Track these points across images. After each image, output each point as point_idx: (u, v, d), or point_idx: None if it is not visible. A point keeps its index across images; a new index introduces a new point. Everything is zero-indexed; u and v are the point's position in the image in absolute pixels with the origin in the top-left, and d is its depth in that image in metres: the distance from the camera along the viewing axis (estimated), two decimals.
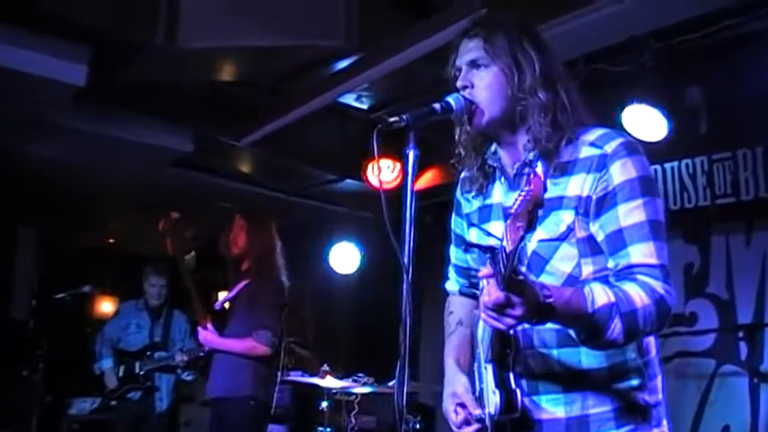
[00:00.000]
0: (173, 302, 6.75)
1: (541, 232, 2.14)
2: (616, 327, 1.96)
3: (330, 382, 5.14)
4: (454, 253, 2.71)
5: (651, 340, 2.22)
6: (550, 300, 1.91)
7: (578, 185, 2.12)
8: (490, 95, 2.22)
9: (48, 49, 4.84)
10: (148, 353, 6.52)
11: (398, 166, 6.69)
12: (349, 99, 5.60)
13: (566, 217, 2.12)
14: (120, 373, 6.46)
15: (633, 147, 2.14)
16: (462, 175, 2.47)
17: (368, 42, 4.74)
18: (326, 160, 6.71)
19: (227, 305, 5.21)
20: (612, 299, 1.97)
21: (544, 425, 2.18)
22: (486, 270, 1.88)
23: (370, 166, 6.33)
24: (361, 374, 5.19)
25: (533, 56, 2.22)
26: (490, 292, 1.88)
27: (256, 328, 4.97)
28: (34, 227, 9.64)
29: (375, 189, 6.45)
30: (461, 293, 2.76)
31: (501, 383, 2.19)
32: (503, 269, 1.81)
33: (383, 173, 6.02)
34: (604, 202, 2.09)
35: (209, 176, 7.28)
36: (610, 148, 2.12)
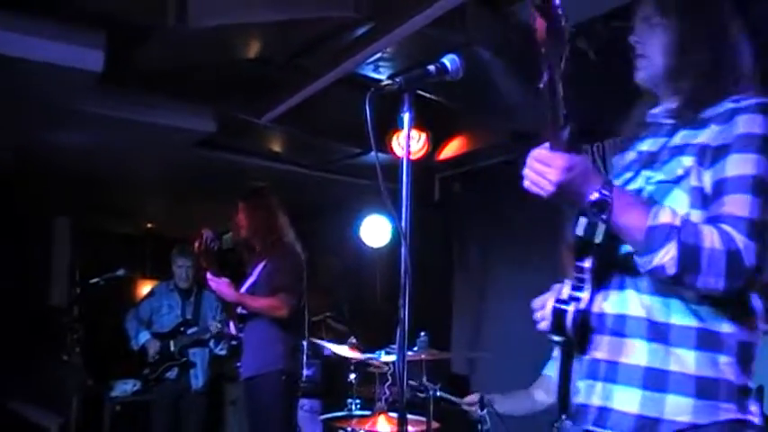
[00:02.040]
0: (203, 283, 6.79)
1: (660, 174, 2.10)
2: (669, 251, 1.88)
3: (356, 353, 5.15)
4: None
5: (756, 315, 2.07)
6: (608, 195, 1.92)
7: (705, 135, 2.06)
8: (655, 51, 2.21)
9: (63, 37, 4.85)
10: (181, 329, 6.60)
11: (423, 136, 6.66)
12: (367, 71, 5.56)
13: (685, 161, 2.06)
14: (155, 353, 6.53)
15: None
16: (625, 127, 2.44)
17: (379, 10, 4.70)
18: (350, 134, 6.69)
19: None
20: (678, 223, 1.91)
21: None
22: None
23: (394, 137, 6.31)
24: (393, 346, 5.17)
25: (707, 13, 2.20)
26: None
27: (275, 292, 5.01)
28: (69, 215, 9.76)
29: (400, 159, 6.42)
30: None
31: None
32: (552, 116, 1.84)
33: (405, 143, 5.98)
34: (719, 152, 2.02)
35: (235, 155, 7.30)
36: (745, 102, 2.05)
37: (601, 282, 2.13)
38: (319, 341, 5.67)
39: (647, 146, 2.25)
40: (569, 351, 2.19)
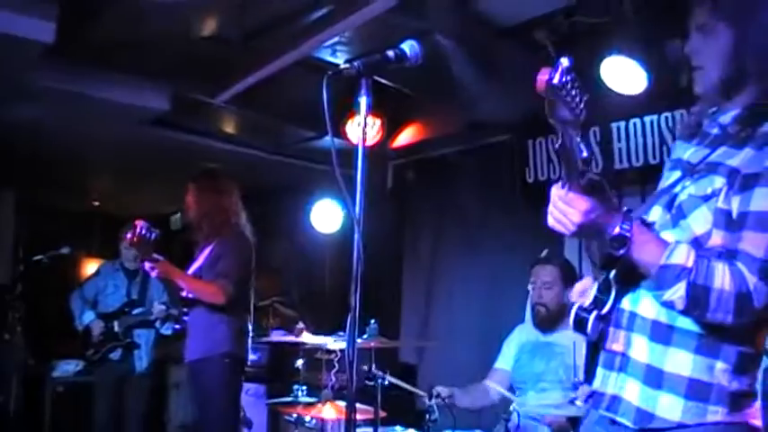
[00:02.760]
0: None
1: (693, 188, 2.12)
2: (678, 291, 1.96)
3: (306, 338, 5.11)
4: None
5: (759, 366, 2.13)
6: (627, 231, 2.00)
7: (740, 158, 2.06)
8: (712, 61, 2.17)
9: (12, 6, 4.73)
10: (126, 309, 6.50)
11: (378, 122, 6.61)
12: (324, 54, 5.50)
13: (717, 181, 2.07)
14: (99, 334, 6.43)
15: None
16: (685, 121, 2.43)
17: None
18: (305, 117, 6.62)
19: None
20: (690, 264, 1.97)
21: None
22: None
23: (349, 121, 6.26)
24: (342, 333, 5.16)
25: (765, 18, 2.13)
26: (556, 189, 2.03)
27: (215, 278, 4.96)
28: (13, 190, 9.56)
29: (355, 146, 6.38)
30: None
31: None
32: (571, 162, 1.91)
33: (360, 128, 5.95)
34: (748, 181, 2.02)
35: (188, 135, 7.18)
36: None
37: (622, 284, 2.21)
38: (276, 333, 5.62)
39: (691, 153, 2.25)
40: (593, 344, 2.29)
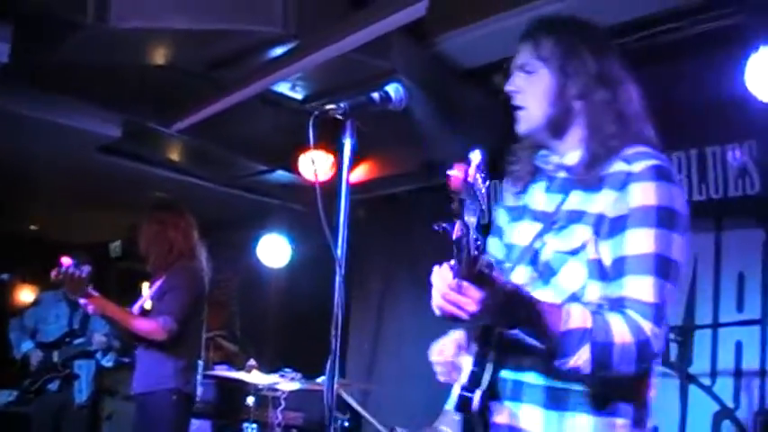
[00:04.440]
0: None
1: (558, 242, 2.05)
2: (582, 355, 1.87)
3: (256, 377, 5.03)
4: (493, 245, 2.44)
5: (651, 383, 2.08)
6: (521, 311, 1.85)
7: (602, 203, 2.01)
8: (535, 101, 2.14)
9: None
10: (67, 340, 6.33)
11: (332, 158, 6.59)
12: (283, 88, 5.47)
13: (582, 232, 2.01)
14: (38, 363, 6.25)
15: (662, 172, 2.00)
16: (511, 168, 2.34)
17: (305, 30, 4.63)
18: (258, 150, 6.59)
19: (147, 305, 5.04)
20: (589, 325, 1.88)
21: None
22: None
23: (302, 157, 6.22)
24: (288, 369, 5.10)
25: (586, 60, 2.12)
26: (446, 272, 1.82)
27: (158, 314, 4.85)
28: None
29: (308, 182, 6.36)
30: None
31: (476, 383, 2.12)
32: (467, 254, 1.72)
33: (316, 165, 5.92)
34: (616, 224, 1.98)
35: (138, 164, 7.07)
36: (637, 167, 1.99)
37: (502, 353, 2.10)
38: (220, 368, 5.52)
39: (542, 201, 2.19)
40: (472, 426, 2.14)
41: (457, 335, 2.30)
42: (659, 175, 1.98)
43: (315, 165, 2.47)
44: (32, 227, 10.61)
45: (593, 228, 2.00)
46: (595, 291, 1.99)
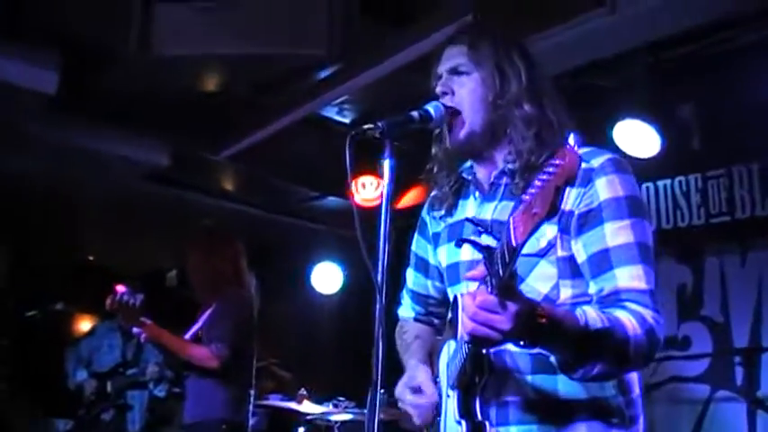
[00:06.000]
0: None
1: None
2: (606, 357, 1.82)
3: (307, 406, 4.95)
4: (412, 277, 2.55)
5: (634, 377, 2.06)
6: (543, 320, 1.73)
7: (565, 199, 1.90)
8: (471, 103, 2.10)
9: (16, 55, 4.67)
10: (120, 369, 6.33)
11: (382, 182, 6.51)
12: (331, 113, 5.43)
13: (548, 231, 1.96)
14: (91, 393, 6.26)
15: (621, 164, 2.03)
16: (432, 193, 2.36)
17: (350, 51, 4.58)
18: (309, 176, 6.55)
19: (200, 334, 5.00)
20: (607, 324, 1.80)
21: None
22: (476, 271, 1.72)
23: (354, 182, 6.17)
24: (341, 398, 5.02)
25: (520, 66, 2.12)
26: (477, 294, 1.71)
27: (209, 342, 4.78)
28: (7, 244, 9.41)
29: (358, 206, 6.30)
30: (416, 320, 2.58)
31: (466, 412, 2.02)
32: (501, 270, 1.61)
33: (366, 189, 5.85)
34: (588, 219, 1.95)
35: (187, 192, 7.08)
36: (597, 162, 2.00)
37: (494, 380, 2.04)
38: (274, 398, 5.45)
39: (473, 211, 2.17)
40: None
41: (422, 373, 2.28)
42: (619, 167, 2.01)
43: (357, 189, 2.39)
44: (90, 257, 10.72)
45: (558, 224, 1.97)
46: (568, 290, 1.99)
